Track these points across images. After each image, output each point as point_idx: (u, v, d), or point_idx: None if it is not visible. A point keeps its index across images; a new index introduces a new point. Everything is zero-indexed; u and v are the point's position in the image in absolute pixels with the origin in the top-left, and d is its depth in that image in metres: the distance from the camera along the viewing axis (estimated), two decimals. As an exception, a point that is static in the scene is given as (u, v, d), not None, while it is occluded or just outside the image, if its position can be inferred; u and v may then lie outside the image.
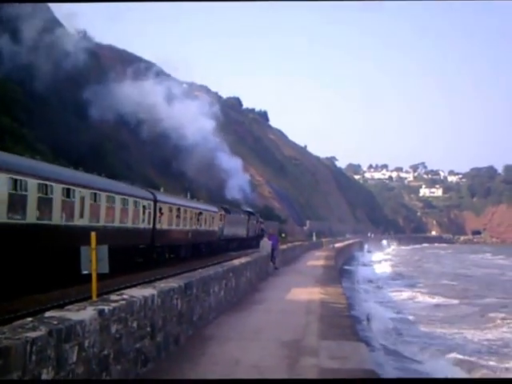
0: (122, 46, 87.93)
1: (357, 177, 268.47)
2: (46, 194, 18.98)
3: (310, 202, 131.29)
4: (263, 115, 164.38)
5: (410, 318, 29.93)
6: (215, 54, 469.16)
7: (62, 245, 19.70)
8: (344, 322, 13.36)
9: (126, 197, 27.13)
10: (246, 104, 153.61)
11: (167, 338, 9.77)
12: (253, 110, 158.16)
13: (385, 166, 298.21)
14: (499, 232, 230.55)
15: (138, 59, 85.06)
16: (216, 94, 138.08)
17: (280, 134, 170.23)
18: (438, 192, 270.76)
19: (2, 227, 16.29)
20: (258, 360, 9.53)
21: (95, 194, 23.41)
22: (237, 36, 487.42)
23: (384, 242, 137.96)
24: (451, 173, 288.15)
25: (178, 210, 35.08)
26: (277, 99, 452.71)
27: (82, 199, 22.05)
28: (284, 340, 11.24)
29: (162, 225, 32.20)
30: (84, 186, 22.50)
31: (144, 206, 29.49)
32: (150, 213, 30.30)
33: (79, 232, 20.39)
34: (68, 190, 20.80)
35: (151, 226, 30.57)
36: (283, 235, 58.12)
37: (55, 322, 6.03)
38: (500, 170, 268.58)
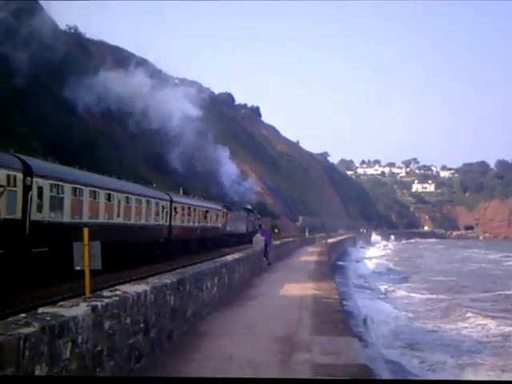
0: (113, 42, 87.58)
1: (349, 172, 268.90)
2: (95, 198, 24.51)
3: (303, 198, 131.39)
4: (255, 111, 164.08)
5: (410, 315, 28.66)
6: (207, 49, 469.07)
7: (109, 239, 21.23)
8: (337, 318, 13.39)
9: (150, 199, 32.02)
10: (238, 100, 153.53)
11: (161, 333, 9.78)
12: (245, 106, 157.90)
13: (377, 162, 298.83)
14: (492, 227, 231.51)
15: (130, 55, 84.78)
16: (208, 89, 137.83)
17: (272, 130, 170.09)
18: (431, 187, 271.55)
19: (103, 225, 24.33)
20: (251, 355, 9.55)
21: (127, 197, 28.31)
22: (229, 32, 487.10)
23: (373, 237, 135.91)
24: (443, 168, 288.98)
25: (189, 209, 39.47)
26: (269, 95, 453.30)
27: (119, 202, 27.09)
28: (277, 335, 11.27)
29: (177, 222, 36.53)
30: (120, 191, 27.56)
31: (163, 206, 34.18)
32: (167, 212, 34.80)
33: (118, 228, 26.39)
34: (109, 195, 25.80)
35: (168, 223, 34.99)
36: (276, 231, 58.50)
37: (48, 318, 6.03)
38: (492, 165, 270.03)
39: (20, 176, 18.51)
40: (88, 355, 6.72)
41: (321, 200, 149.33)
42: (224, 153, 76.66)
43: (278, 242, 39.90)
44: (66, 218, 21.45)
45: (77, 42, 64.21)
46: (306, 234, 75.20)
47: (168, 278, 10.88)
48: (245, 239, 46.25)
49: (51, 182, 20.32)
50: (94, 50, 71.84)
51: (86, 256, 10.26)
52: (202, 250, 39.84)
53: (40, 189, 19.53)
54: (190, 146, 63.28)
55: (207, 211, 43.07)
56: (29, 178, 18.85)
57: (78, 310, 6.73)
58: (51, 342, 5.82)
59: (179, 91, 77.59)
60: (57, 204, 20.76)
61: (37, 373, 5.52)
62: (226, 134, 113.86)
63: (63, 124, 42.87)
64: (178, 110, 64.67)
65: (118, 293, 8.34)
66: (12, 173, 18.17)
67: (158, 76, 74.65)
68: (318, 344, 10.40)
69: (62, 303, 7.29)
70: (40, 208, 19.62)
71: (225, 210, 48.14)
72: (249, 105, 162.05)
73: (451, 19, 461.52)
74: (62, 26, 66.45)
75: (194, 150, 65.02)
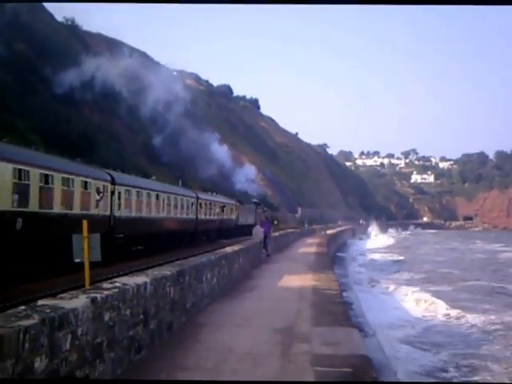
0: (111, 34, 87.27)
1: (348, 164, 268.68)
2: (155, 198, 33.57)
3: (302, 189, 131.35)
4: (254, 103, 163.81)
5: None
6: (206, 41, 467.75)
7: (152, 230, 32.84)
8: (336, 309, 13.41)
9: (183, 197, 39.27)
10: (236, 92, 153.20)
11: (160, 325, 9.80)
12: (244, 98, 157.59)
13: (376, 153, 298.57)
14: (491, 217, 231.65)
15: (128, 47, 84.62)
16: (206, 81, 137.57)
17: (271, 122, 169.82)
18: (430, 178, 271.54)
19: (155, 218, 33.33)
20: (250, 347, 9.57)
21: (168, 196, 35.98)
22: (228, 24, 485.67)
23: (372, 229, 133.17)
24: (443, 159, 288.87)
25: (211, 204, 46.54)
26: (268, 87, 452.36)
27: (163, 200, 34.88)
28: (277, 327, 11.28)
29: (202, 216, 43.47)
30: (165, 192, 35.61)
31: (192, 203, 41.31)
32: (194, 207, 41.78)
33: (160, 221, 34.41)
34: (149, 193, 32.52)
35: (195, 216, 41.91)
36: (275, 222, 58.84)
37: (48, 311, 6.04)
38: (491, 155, 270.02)
39: (108, 185, 26.70)
40: (88, 347, 6.73)
41: (320, 191, 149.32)
42: (212, 136, 76.29)
43: (277, 234, 39.93)
44: (134, 213, 30.03)
45: (74, 34, 64.03)
46: (305, 225, 75.31)
47: (168, 270, 10.89)
48: (249, 230, 50.00)
49: (126, 188, 28.98)
50: (90, 42, 71.62)
51: (86, 248, 10.27)
52: (219, 239, 46.36)
53: (119, 193, 27.85)
54: (178, 131, 63.78)
55: (224, 206, 49.79)
56: (113, 186, 27.10)
57: (77, 302, 6.74)
58: (51, 334, 5.83)
59: (169, 76, 78.09)
60: (128, 204, 29.24)
61: (37, 365, 5.54)
62: (225, 126, 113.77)
63: (62, 117, 42.85)
64: (165, 93, 65.40)
65: (117, 285, 8.35)
66: (105, 183, 26.34)
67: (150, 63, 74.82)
68: (317, 335, 10.42)
69: (61, 295, 7.30)
70: (119, 207, 27.88)
71: (237, 204, 54.45)
72: (247, 97, 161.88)
73: (448, 10, 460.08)
74: (60, 18, 66.45)
75: (181, 135, 65.36)
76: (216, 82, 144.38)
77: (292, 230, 56.58)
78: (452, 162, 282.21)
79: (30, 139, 33.88)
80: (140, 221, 30.53)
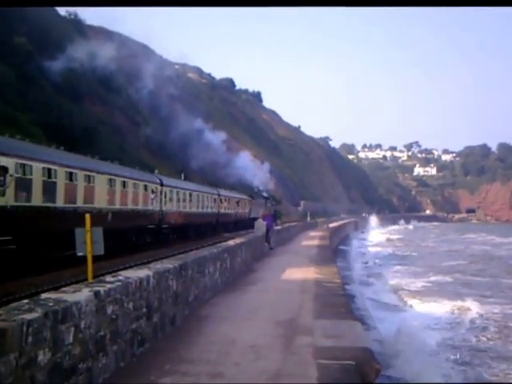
0: (113, 28, 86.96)
1: (351, 156, 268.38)
2: (187, 196, 41.50)
3: (304, 182, 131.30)
4: (257, 96, 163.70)
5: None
6: (208, 34, 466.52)
7: (187, 222, 40.83)
8: (339, 301, 13.42)
9: (207, 194, 46.40)
10: (239, 85, 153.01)
11: (163, 318, 9.81)
12: (246, 91, 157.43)
13: (379, 146, 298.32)
14: (493, 210, 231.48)
15: (131, 41, 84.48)
16: (209, 75, 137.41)
17: (273, 115, 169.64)
18: (432, 171, 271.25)
19: (183, 213, 40.02)
20: (253, 339, 9.59)
21: (198, 194, 43.65)
22: (230, 17, 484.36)
23: (372, 222, 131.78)
24: (445, 151, 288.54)
25: (229, 199, 53.14)
26: (270, 80, 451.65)
27: (197, 197, 43.22)
28: (279, 319, 11.30)
29: (222, 210, 50.48)
30: (198, 191, 43.82)
31: (215, 199, 48.40)
32: (216, 203, 48.64)
33: (194, 214, 42.42)
34: (184, 193, 40.47)
35: (217, 211, 48.94)
36: (280, 216, 59.29)
37: (51, 304, 6.06)
38: (494, 148, 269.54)
39: (158, 187, 35.09)
40: (91, 340, 6.75)
41: (322, 184, 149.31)
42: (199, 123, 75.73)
43: (279, 227, 39.94)
44: (175, 209, 38.27)
45: (76, 27, 63.99)
46: (308, 218, 75.22)
47: (170, 263, 10.91)
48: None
49: (170, 189, 37.20)
50: (93, 37, 71.44)
51: (89, 242, 10.29)
52: (235, 230, 51.61)
53: (165, 193, 35.95)
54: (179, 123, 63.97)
55: (239, 201, 56.23)
56: (162, 187, 35.44)
57: (80, 295, 6.75)
58: (54, 327, 5.84)
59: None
60: (172, 201, 37.48)
61: (40, 358, 5.56)
62: (227, 119, 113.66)
63: (64, 111, 42.87)
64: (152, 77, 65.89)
65: (120, 278, 8.37)
66: (157, 186, 34.87)
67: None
68: (320, 327, 10.43)
69: (64, 289, 7.32)
70: (166, 203, 35.90)
71: (250, 199, 60.49)
72: (250, 90, 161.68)
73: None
74: (62, 12, 66.40)
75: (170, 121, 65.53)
76: (218, 75, 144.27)
77: (295, 223, 56.61)
78: (454, 155, 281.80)
79: (32, 133, 33.93)
80: (180, 214, 39.06)
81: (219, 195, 49.30)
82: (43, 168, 20.75)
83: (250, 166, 72.15)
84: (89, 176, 24.87)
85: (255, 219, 54.59)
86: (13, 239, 18.28)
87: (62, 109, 42.96)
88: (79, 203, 23.62)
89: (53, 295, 6.64)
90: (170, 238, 37.39)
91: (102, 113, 55.90)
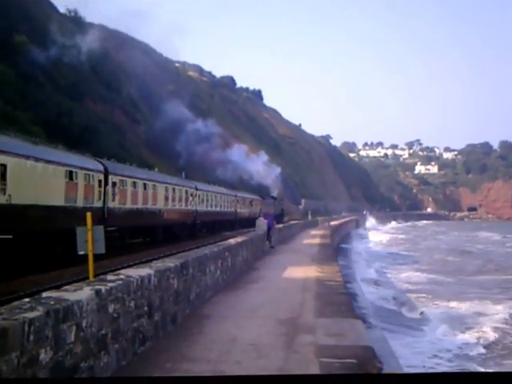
0: (112, 25, 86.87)
1: (352, 155, 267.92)
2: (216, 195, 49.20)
3: (305, 181, 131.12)
4: (257, 94, 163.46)
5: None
6: (209, 32, 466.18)
7: (214, 219, 48.10)
8: (340, 300, 13.42)
9: (228, 196, 53.53)
10: (239, 83, 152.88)
11: (164, 317, 9.82)
12: (247, 89, 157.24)
13: (380, 144, 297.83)
14: (495, 208, 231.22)
15: (130, 39, 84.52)
16: (209, 73, 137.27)
17: (274, 113, 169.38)
18: (434, 169, 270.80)
19: (211, 212, 47.01)
20: (255, 338, 9.59)
21: (221, 196, 50.87)
22: (231, 15, 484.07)
23: (368, 223, 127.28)
24: (447, 149, 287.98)
25: (244, 200, 59.89)
26: (271, 78, 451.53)
27: (220, 198, 50.12)
28: (281, 318, 11.30)
29: (238, 209, 56.90)
30: (220, 193, 50.50)
31: (233, 200, 54.97)
32: (234, 203, 55.40)
33: (218, 213, 49.82)
34: (211, 195, 47.17)
35: (235, 210, 55.65)
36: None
37: (52, 303, 6.06)
38: (496, 146, 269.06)
39: (194, 191, 41.99)
40: (92, 339, 6.76)
41: (323, 183, 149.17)
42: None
43: (280, 226, 39.95)
44: (205, 208, 45.26)
45: (76, 25, 63.85)
46: (309, 216, 75.35)
47: (171, 262, 10.91)
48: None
49: (203, 192, 44.39)
50: (94, 35, 71.36)
51: (90, 240, 10.29)
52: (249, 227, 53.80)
53: (199, 195, 43.60)
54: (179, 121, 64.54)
55: (252, 201, 62.52)
56: (196, 191, 42.34)
57: (82, 294, 6.76)
58: (56, 325, 5.85)
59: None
60: (204, 202, 44.89)
61: (42, 356, 5.56)
62: (228, 118, 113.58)
63: (64, 109, 42.83)
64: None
65: (121, 277, 8.38)
66: (193, 190, 42.16)
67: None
68: (321, 326, 10.44)
69: (66, 287, 7.32)
70: (199, 204, 43.46)
71: (260, 199, 65.90)
72: (250, 88, 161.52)
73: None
74: (62, 10, 66.29)
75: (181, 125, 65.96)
76: (219, 73, 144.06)
77: (296, 222, 56.66)
78: (456, 153, 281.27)
79: (33, 131, 33.91)
80: (209, 213, 46.28)
81: (236, 196, 56.68)
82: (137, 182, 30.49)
83: (262, 170, 77.46)
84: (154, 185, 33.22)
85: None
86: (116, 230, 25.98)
87: (62, 107, 42.90)
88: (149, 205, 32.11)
89: (54, 294, 6.65)
90: (203, 232, 44.87)
91: (102, 111, 55.80)
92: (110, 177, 26.67)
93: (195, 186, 42.24)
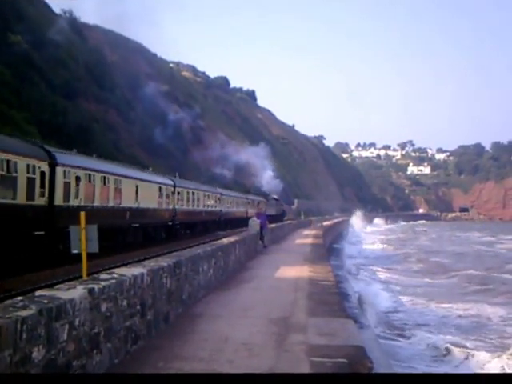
0: (108, 26, 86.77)
1: (345, 155, 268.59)
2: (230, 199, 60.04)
3: (298, 181, 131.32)
4: (251, 94, 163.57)
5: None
6: (203, 33, 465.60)
7: (233, 217, 58.52)
8: (332, 299, 13.46)
9: (241, 199, 63.66)
10: (233, 83, 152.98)
11: (157, 316, 9.85)
12: (240, 90, 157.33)
13: (372, 145, 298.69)
14: (487, 209, 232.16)
15: (125, 39, 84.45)
16: (203, 73, 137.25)
17: (268, 114, 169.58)
18: (426, 170, 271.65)
19: (230, 211, 59.01)
20: (247, 337, 9.63)
21: (238, 199, 61.21)
22: (225, 15, 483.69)
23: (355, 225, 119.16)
24: (439, 150, 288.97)
25: (253, 201, 68.80)
26: (265, 78, 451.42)
27: (234, 201, 59.14)
28: (273, 317, 11.34)
29: (249, 209, 64.49)
30: (237, 196, 61.96)
31: (244, 201, 64.84)
32: (245, 204, 65.26)
33: (235, 213, 60.84)
34: (231, 199, 58.38)
35: (246, 209, 64.37)
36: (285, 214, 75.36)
37: (45, 301, 6.08)
38: (488, 147, 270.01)
39: (219, 196, 53.16)
40: (85, 337, 6.78)
41: (316, 183, 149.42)
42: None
43: (273, 225, 40.00)
44: (226, 209, 56.37)
45: (71, 26, 63.81)
46: (302, 217, 75.93)
47: (164, 261, 10.94)
48: (274, 219, 64.75)
49: (225, 197, 55.80)
50: (88, 35, 71.34)
51: (83, 240, 10.31)
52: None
53: (224, 199, 55.50)
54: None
55: (259, 202, 70.09)
56: (221, 196, 54.00)
57: (75, 292, 6.78)
58: (48, 324, 5.87)
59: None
60: (224, 204, 55.71)
61: (34, 355, 5.58)
62: (222, 118, 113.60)
63: (59, 109, 42.80)
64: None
65: (114, 275, 8.40)
66: (217, 194, 53.26)
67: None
68: (313, 325, 10.48)
69: (59, 286, 7.34)
70: (222, 206, 54.63)
71: (265, 200, 73.81)
72: (244, 88, 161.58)
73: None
74: (57, 10, 66.22)
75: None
76: (213, 73, 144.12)
77: (288, 222, 56.82)
78: (448, 154, 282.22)
79: (27, 131, 33.88)
80: (229, 212, 56.24)
81: (247, 199, 67.17)
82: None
83: (270, 178, 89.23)
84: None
85: (269, 216, 66.85)
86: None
87: (57, 107, 42.88)
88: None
89: (47, 292, 6.67)
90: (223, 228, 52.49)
91: (97, 110, 55.79)
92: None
93: (220, 193, 45.37)
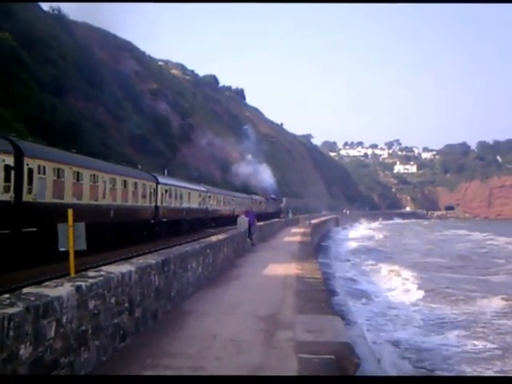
0: (97, 24, 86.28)
1: (332, 154, 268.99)
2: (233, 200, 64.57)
3: (287, 179, 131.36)
4: (240, 93, 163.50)
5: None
6: (192, 31, 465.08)
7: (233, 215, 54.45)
8: (320, 296, 13.51)
9: (245, 199, 67.59)
10: (222, 82, 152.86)
11: (145, 313, 9.84)
12: (229, 88, 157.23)
13: (360, 144, 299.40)
14: (472, 207, 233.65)
15: (113, 37, 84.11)
16: (192, 71, 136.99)
17: (256, 112, 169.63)
18: (413, 168, 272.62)
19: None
20: (235, 334, 9.65)
21: (243, 199, 66.69)
22: (214, 14, 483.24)
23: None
24: (425, 149, 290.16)
25: (256, 201, 72.54)
26: (253, 77, 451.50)
27: (238, 202, 64.61)
28: (261, 314, 11.37)
29: (255, 207, 65.67)
30: (241, 197, 67.49)
31: (249, 202, 67.74)
32: (250, 203, 67.51)
33: (239, 212, 51.33)
34: (240, 199, 66.44)
35: (251, 208, 59.86)
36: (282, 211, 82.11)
37: (33, 298, 6.06)
38: (473, 146, 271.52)
39: (222, 197, 57.84)
40: (73, 335, 6.76)
41: (304, 181, 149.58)
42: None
43: (261, 223, 40.04)
44: (233, 208, 61.66)
45: (60, 23, 63.45)
46: (290, 215, 76.36)
47: (153, 259, 10.93)
48: (273, 216, 72.05)
49: (238, 200, 65.64)
50: (77, 32, 70.90)
51: (71, 237, 10.25)
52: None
53: (236, 201, 63.82)
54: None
55: (261, 201, 75.68)
56: (234, 198, 63.35)
57: (62, 290, 6.76)
58: (36, 321, 5.85)
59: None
60: (237, 204, 64.18)
61: (21, 352, 5.56)
62: (210, 116, 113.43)
63: (47, 106, 42.50)
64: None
65: (102, 273, 8.39)
66: (231, 197, 62.02)
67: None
68: (301, 322, 10.51)
69: (46, 283, 7.32)
70: (236, 206, 62.72)
71: (265, 200, 79.10)
72: (233, 87, 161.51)
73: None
74: (46, 7, 65.80)
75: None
76: (202, 72, 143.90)
77: (277, 220, 56.89)
78: (434, 153, 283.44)
79: (15, 128, 33.63)
80: (235, 211, 57.80)
81: (252, 199, 71.80)
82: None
83: (268, 178, 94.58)
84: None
85: (269, 213, 76.67)
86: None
87: (45, 104, 42.57)
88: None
89: (34, 290, 6.65)
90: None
91: (85, 108, 55.45)
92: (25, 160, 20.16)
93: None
